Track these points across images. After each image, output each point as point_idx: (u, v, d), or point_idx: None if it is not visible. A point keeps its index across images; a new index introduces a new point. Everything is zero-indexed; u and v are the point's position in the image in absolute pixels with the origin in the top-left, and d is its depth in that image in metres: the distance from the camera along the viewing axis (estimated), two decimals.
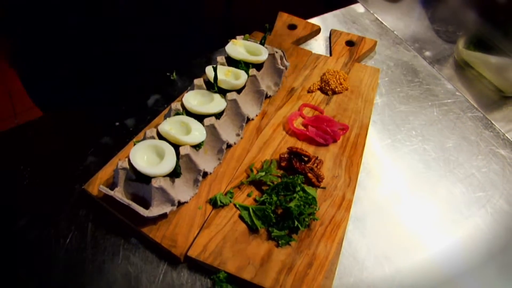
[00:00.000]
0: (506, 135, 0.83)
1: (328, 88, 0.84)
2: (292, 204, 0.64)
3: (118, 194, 0.65)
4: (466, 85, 0.93)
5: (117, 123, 0.81)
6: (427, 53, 0.99)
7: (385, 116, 0.84)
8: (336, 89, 0.83)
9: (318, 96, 0.84)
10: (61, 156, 0.76)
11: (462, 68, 0.96)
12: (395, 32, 1.02)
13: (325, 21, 1.04)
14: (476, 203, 0.73)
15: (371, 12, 1.07)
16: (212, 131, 0.70)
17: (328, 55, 0.93)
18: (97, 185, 0.69)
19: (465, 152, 0.80)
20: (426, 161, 0.78)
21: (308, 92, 0.85)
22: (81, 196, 0.71)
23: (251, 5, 0.83)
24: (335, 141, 0.76)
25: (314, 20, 1.03)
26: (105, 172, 0.71)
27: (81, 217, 0.69)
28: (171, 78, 0.87)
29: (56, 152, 0.77)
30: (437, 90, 0.90)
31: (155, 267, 0.64)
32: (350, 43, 0.95)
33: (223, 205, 0.68)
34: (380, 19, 1.05)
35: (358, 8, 1.09)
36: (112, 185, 0.68)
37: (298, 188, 0.67)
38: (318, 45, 0.98)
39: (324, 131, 0.75)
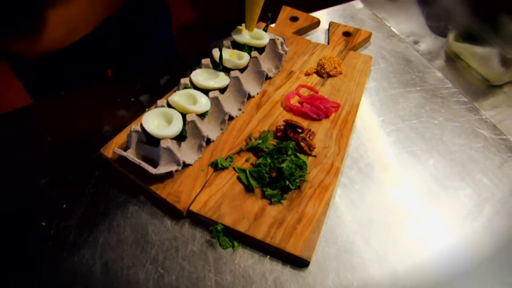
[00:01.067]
0: (490, 119, 0.91)
1: (323, 71, 0.93)
2: (283, 165, 0.73)
3: (130, 154, 0.74)
4: (456, 75, 1.01)
5: (132, 99, 0.92)
6: (420, 46, 1.08)
7: (376, 98, 0.93)
8: (331, 73, 0.93)
9: (314, 78, 0.94)
10: (80, 126, 0.87)
11: (452, 59, 1.04)
12: (390, 26, 1.12)
13: (325, 15, 1.14)
14: (457, 176, 0.81)
15: (369, 8, 1.17)
16: (216, 103, 0.80)
17: (326, 44, 1.03)
18: (112, 149, 0.80)
19: (449, 131, 0.88)
20: (412, 138, 0.86)
21: (306, 75, 0.95)
22: (97, 159, 0.81)
23: None
24: (327, 116, 0.85)
25: (315, 14, 1.13)
26: (120, 138, 0.81)
27: (96, 177, 0.79)
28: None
29: (75, 123, 0.88)
30: (426, 78, 0.98)
31: (161, 220, 0.73)
32: (346, 34, 1.05)
33: (223, 168, 0.78)
34: (376, 14, 1.15)
35: (357, 4, 1.19)
36: (125, 148, 0.78)
37: (290, 152, 0.76)
38: (317, 36, 1.08)
39: (317, 107, 0.85)
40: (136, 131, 0.75)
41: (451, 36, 1.04)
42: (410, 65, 1.02)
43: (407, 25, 1.14)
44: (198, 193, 0.74)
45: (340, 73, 0.94)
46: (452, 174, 0.81)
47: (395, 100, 0.93)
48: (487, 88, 0.99)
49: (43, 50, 0.78)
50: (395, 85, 0.97)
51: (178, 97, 0.79)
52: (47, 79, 1.08)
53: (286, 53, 0.94)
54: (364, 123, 0.89)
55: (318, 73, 0.94)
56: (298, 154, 0.77)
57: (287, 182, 0.73)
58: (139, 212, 0.75)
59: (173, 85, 0.93)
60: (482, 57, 0.97)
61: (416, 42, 1.08)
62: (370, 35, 1.05)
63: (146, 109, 0.78)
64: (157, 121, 0.76)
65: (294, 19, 1.08)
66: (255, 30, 0.90)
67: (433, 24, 1.14)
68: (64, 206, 0.75)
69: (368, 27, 1.11)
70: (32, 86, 1.13)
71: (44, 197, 0.77)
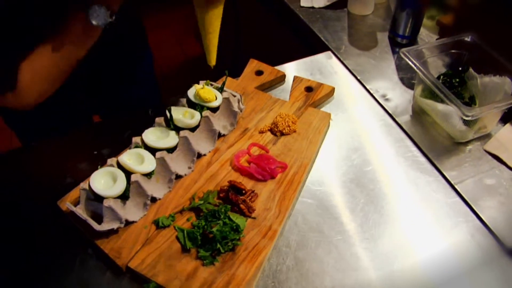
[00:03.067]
0: (450, 178, 0.94)
1: (276, 129, 1.00)
2: (214, 229, 0.80)
3: (79, 210, 0.83)
4: (421, 131, 1.04)
5: (95, 152, 1.01)
6: (388, 99, 1.11)
7: (331, 157, 0.99)
8: (284, 131, 0.99)
9: (268, 136, 1.01)
10: (44, 178, 0.98)
11: (419, 114, 1.08)
12: (360, 79, 1.17)
13: (293, 68, 1.20)
14: (409, 242, 0.86)
15: (341, 59, 1.22)
16: (162, 163, 0.88)
17: (286, 100, 1.09)
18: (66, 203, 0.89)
19: (402, 194, 0.93)
20: (361, 203, 0.91)
21: (260, 132, 1.01)
22: (54, 211, 0.90)
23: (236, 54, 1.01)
24: (273, 177, 0.92)
25: (283, 67, 1.20)
26: (76, 192, 0.91)
27: (52, 228, 0.89)
28: (148, 114, 1.07)
29: (39, 174, 0.99)
30: (387, 135, 1.03)
31: (102, 274, 0.82)
32: (309, 89, 1.11)
33: (164, 227, 0.85)
34: (347, 66, 1.20)
35: (328, 56, 1.25)
36: (77, 203, 0.88)
37: (222, 216, 0.83)
38: (282, 90, 1.15)
39: (263, 168, 0.91)
40: (84, 189, 0.84)
41: (417, 91, 1.07)
42: (372, 121, 1.06)
43: (378, 77, 1.18)
44: (139, 250, 0.82)
45: (294, 131, 1.00)
46: (402, 242, 0.86)
47: (349, 159, 0.98)
48: (451, 145, 1.02)
49: (28, 103, 0.89)
50: (351, 144, 1.02)
51: (127, 156, 0.88)
52: (34, 126, 1.21)
53: (241, 110, 1.01)
54: (316, 183, 0.95)
55: (271, 131, 1.01)
56: (234, 216, 0.84)
57: (218, 245, 0.80)
58: (85, 264, 0.83)
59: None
60: (444, 115, 1.00)
61: (384, 96, 1.12)
62: (332, 90, 1.10)
63: (99, 166, 0.87)
64: (104, 180, 0.85)
65: (259, 73, 1.15)
66: (211, 89, 0.98)
67: (404, 77, 1.17)
68: (22, 252, 0.86)
69: (336, 80, 1.16)
70: (22, 133, 1.26)
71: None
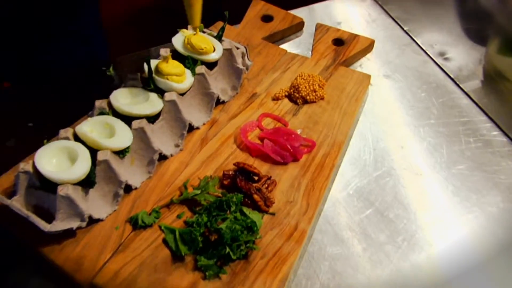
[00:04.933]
0: None
1: (297, 95, 1.05)
2: (223, 226, 0.84)
3: (16, 203, 0.82)
4: (496, 102, 1.10)
5: (30, 124, 1.03)
6: (448, 59, 1.18)
7: (370, 135, 1.05)
8: (308, 98, 1.04)
9: (285, 105, 1.06)
10: None
11: (493, 79, 1.14)
12: (407, 30, 1.23)
13: (313, 14, 1.26)
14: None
15: (379, 3, 1.29)
16: (141, 136, 0.91)
17: (308, 57, 1.15)
18: None
19: (476, 186, 0.98)
20: (404, 202, 0.97)
21: (273, 99, 1.06)
22: None
23: None
24: (296, 159, 0.97)
25: (299, 11, 1.25)
26: (6, 179, 0.92)
27: None
28: (107, 73, 1.09)
29: None
30: (449, 106, 1.09)
31: None
32: (338, 42, 1.16)
33: (145, 226, 0.88)
34: (389, 12, 1.26)
35: None
36: (12, 194, 0.86)
37: (233, 208, 0.87)
38: (298, 44, 1.20)
39: (282, 146, 0.96)
40: (26, 172, 0.85)
41: (492, 47, 1.13)
42: (428, 87, 1.13)
43: (433, 28, 1.25)
44: (108, 260, 0.84)
45: (322, 98, 1.06)
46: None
47: (397, 139, 1.05)
48: None
49: None
50: (400, 118, 1.08)
51: (89, 126, 0.89)
52: None
53: (247, 68, 1.06)
54: (354, 167, 1.00)
55: (290, 97, 1.06)
56: (247, 210, 0.88)
57: (228, 250, 0.84)
58: (24, 284, 0.85)
59: (91, 105, 1.04)
60: None
61: (442, 54, 1.19)
62: (372, 43, 1.17)
63: (44, 141, 0.89)
64: (56, 159, 0.86)
65: (267, 18, 1.20)
66: (206, 36, 1.02)
67: (470, 27, 1.24)
68: None
69: (374, 31, 1.22)
70: None
71: None
